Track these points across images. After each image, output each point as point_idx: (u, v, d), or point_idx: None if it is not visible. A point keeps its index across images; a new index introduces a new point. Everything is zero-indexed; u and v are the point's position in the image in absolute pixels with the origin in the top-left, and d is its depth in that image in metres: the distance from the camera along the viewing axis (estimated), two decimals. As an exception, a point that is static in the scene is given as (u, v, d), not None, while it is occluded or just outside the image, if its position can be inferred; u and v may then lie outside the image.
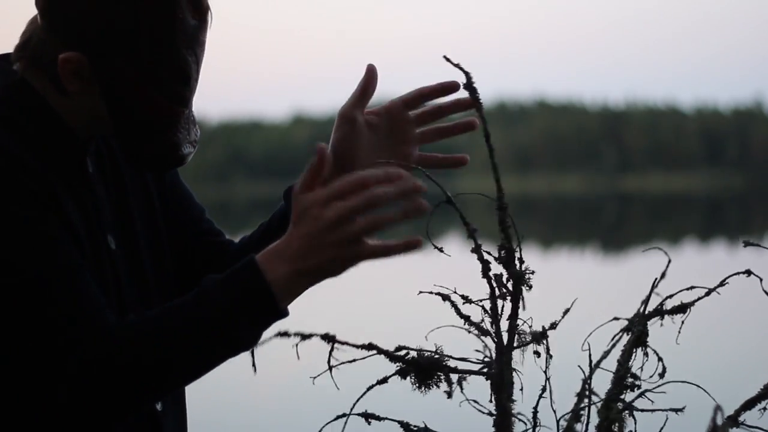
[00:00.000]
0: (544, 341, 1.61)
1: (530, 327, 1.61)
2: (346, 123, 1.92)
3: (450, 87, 1.89)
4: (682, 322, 1.61)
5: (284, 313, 1.66)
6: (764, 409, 1.56)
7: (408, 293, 1.70)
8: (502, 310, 1.60)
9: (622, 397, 1.58)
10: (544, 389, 1.61)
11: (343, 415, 1.62)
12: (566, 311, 1.63)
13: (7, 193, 1.66)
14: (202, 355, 1.66)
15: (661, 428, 1.61)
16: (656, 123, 76.36)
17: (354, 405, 1.61)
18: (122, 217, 1.86)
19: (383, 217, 1.61)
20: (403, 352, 1.62)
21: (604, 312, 1.69)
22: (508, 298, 1.60)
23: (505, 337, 1.60)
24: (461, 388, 1.60)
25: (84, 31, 1.70)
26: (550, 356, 1.61)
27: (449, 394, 1.60)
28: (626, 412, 1.56)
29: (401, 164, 1.72)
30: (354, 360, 1.63)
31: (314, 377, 1.65)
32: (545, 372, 1.61)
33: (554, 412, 1.59)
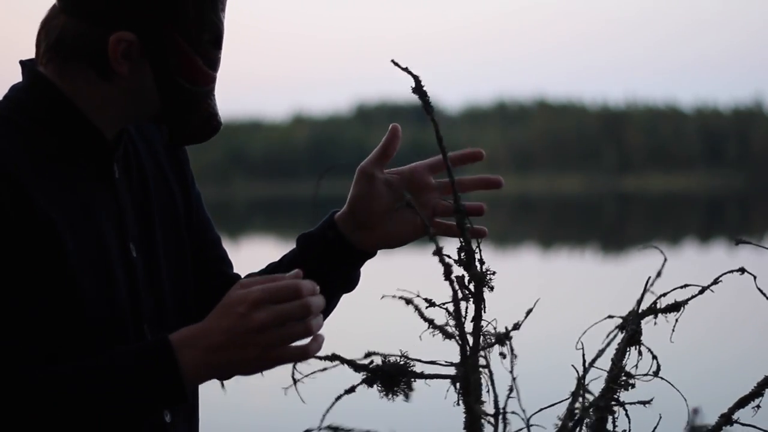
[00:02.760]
0: (508, 342, 1.61)
1: (495, 328, 1.61)
2: (364, 179, 1.93)
3: (475, 156, 1.89)
4: (676, 320, 1.61)
5: (186, 399, 1.68)
6: (758, 407, 1.56)
7: (379, 295, 1.70)
8: (466, 312, 1.59)
9: (616, 395, 1.58)
10: (511, 390, 1.60)
11: (311, 429, 1.61)
12: (528, 311, 1.63)
13: None
14: (99, 421, 1.66)
15: (655, 426, 1.62)
16: (656, 123, 76.23)
17: (324, 417, 1.60)
18: (144, 225, 1.86)
19: (314, 324, 1.65)
20: (367, 361, 1.62)
21: (603, 312, 1.70)
22: (471, 300, 1.59)
23: (470, 339, 1.59)
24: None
25: (130, 7, 1.71)
26: (515, 356, 1.61)
27: (407, 397, 1.61)
28: (616, 408, 1.57)
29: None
30: (325, 368, 1.63)
31: (285, 388, 1.66)
32: (511, 372, 1.60)
33: (523, 411, 1.59)
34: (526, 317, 1.65)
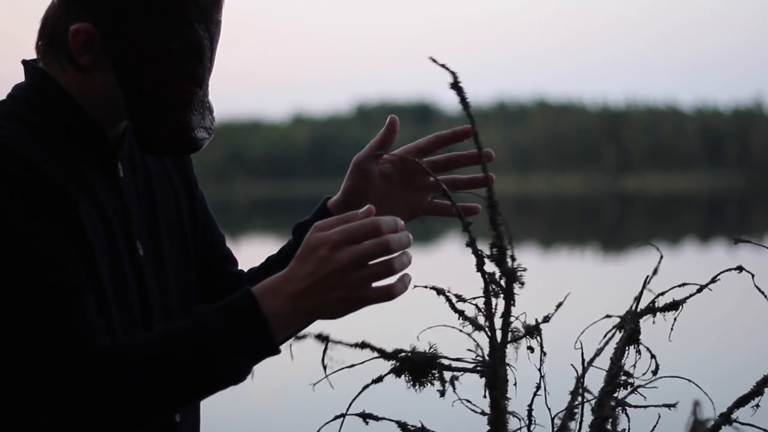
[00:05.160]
0: (538, 337, 1.61)
1: (524, 323, 1.61)
2: (360, 172, 1.93)
3: (464, 133, 1.87)
4: (675, 319, 1.61)
5: (278, 350, 1.64)
6: (757, 406, 1.56)
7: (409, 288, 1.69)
8: (495, 308, 1.60)
9: (615, 394, 1.58)
10: (538, 387, 1.60)
11: (341, 415, 1.60)
12: (559, 305, 1.63)
13: (14, 203, 1.63)
14: (191, 386, 1.63)
15: (654, 426, 1.61)
16: (656, 123, 76.28)
17: (350, 405, 1.59)
18: (149, 225, 1.85)
19: (396, 263, 1.60)
20: (396, 350, 1.61)
21: (603, 311, 1.70)
22: (501, 295, 1.59)
23: (498, 334, 1.59)
24: (453, 388, 1.60)
25: (94, 2, 1.69)
26: (544, 353, 1.61)
27: (442, 393, 1.59)
28: (619, 408, 1.57)
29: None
30: (352, 365, 1.61)
31: (314, 384, 1.63)
32: (540, 369, 1.60)
33: (549, 409, 1.59)
34: (556, 310, 1.65)
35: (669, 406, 1.58)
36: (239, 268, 2.06)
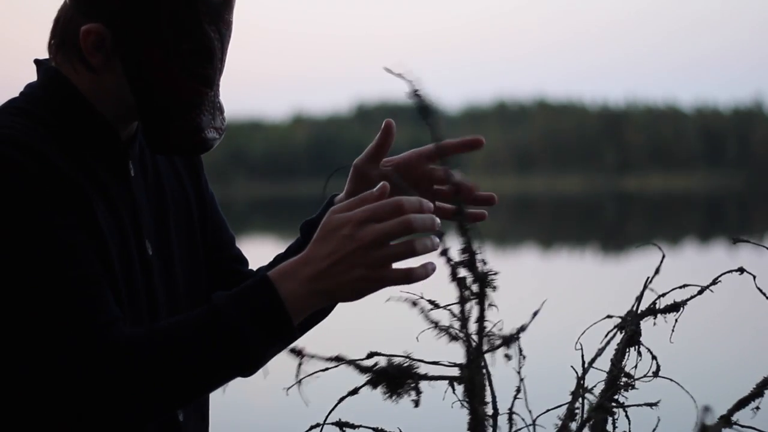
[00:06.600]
0: (516, 343, 1.60)
1: (500, 330, 1.60)
2: (359, 177, 1.93)
3: (474, 144, 1.87)
4: (676, 321, 1.61)
5: (296, 333, 1.63)
6: (757, 408, 1.56)
7: (384, 296, 1.68)
8: (469, 314, 1.58)
9: (615, 396, 1.58)
10: (518, 390, 1.60)
11: (317, 425, 1.60)
12: (535, 313, 1.62)
13: (33, 195, 1.64)
14: (210, 372, 1.63)
15: (655, 428, 1.61)
16: (656, 123, 76.29)
17: (327, 416, 1.59)
18: (159, 225, 1.85)
19: (418, 245, 1.60)
20: (372, 363, 1.60)
21: (603, 312, 1.69)
22: (475, 300, 1.58)
23: (475, 340, 1.58)
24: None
25: (104, 2, 1.70)
26: (523, 357, 1.60)
27: (416, 403, 1.59)
28: (603, 409, 1.56)
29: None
30: (326, 368, 1.60)
31: (287, 388, 1.63)
32: (519, 373, 1.60)
33: (530, 412, 1.59)
34: (532, 319, 1.64)
35: (651, 405, 1.58)
36: (249, 268, 2.06)
